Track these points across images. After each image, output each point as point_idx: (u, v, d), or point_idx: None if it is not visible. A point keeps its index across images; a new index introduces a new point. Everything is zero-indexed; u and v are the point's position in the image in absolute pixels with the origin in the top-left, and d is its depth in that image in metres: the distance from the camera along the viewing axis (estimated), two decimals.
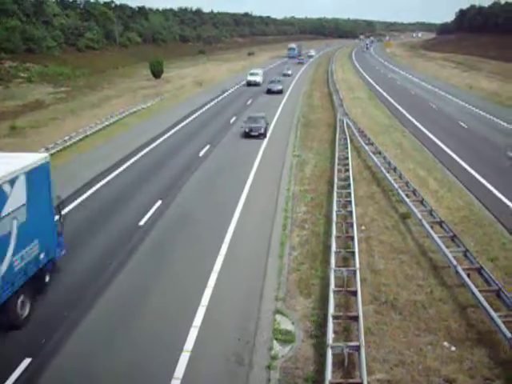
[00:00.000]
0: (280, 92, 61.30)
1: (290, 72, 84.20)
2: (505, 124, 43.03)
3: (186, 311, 14.60)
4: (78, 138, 35.97)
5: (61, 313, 14.39)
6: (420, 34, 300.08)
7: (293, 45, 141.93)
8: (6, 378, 11.82)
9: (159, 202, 23.04)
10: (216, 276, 16.61)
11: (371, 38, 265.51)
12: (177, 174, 27.86)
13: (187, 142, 35.39)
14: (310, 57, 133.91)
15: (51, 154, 30.80)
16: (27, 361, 12.41)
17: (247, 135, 36.04)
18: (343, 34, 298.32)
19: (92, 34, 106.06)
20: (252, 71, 72.70)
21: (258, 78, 69.98)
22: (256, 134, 36.00)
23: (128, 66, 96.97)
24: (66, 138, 34.95)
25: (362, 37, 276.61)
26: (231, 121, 43.47)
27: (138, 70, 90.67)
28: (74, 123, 41.33)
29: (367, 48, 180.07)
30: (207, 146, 33.85)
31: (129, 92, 63.58)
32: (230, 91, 64.68)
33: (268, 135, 37.10)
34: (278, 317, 14.64)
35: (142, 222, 20.78)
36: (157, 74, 78.23)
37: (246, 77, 71.40)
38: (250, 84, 68.95)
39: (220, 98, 58.23)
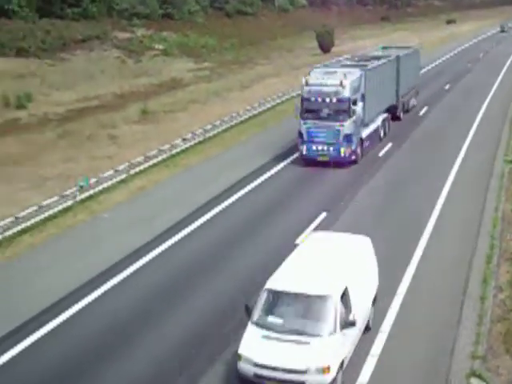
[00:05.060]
0: None
1: None
2: None
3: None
4: (222, 128, 37.73)
5: None
6: None
7: None
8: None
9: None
10: (392, 320, 16.68)
11: None
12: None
13: None
14: None
15: (186, 148, 32.81)
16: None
17: None
18: None
19: None
20: None
21: None
22: None
23: (289, 37, 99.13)
24: (208, 126, 36.72)
25: None
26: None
27: (301, 42, 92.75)
28: (218, 108, 43.26)
29: None
30: None
31: (289, 69, 65.28)
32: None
33: (470, 135, 36.48)
34: (475, 381, 14.26)
35: None
36: (325, 46, 79.44)
37: (442, 53, 68.72)
38: None
39: None
